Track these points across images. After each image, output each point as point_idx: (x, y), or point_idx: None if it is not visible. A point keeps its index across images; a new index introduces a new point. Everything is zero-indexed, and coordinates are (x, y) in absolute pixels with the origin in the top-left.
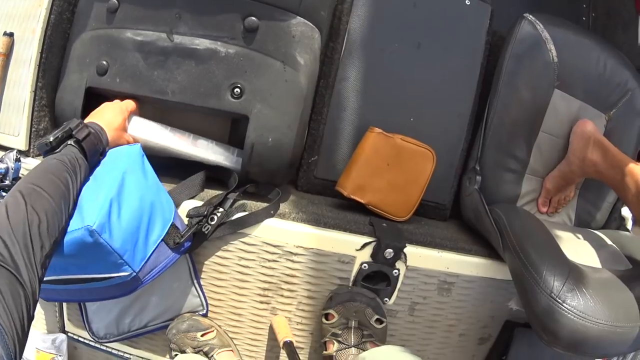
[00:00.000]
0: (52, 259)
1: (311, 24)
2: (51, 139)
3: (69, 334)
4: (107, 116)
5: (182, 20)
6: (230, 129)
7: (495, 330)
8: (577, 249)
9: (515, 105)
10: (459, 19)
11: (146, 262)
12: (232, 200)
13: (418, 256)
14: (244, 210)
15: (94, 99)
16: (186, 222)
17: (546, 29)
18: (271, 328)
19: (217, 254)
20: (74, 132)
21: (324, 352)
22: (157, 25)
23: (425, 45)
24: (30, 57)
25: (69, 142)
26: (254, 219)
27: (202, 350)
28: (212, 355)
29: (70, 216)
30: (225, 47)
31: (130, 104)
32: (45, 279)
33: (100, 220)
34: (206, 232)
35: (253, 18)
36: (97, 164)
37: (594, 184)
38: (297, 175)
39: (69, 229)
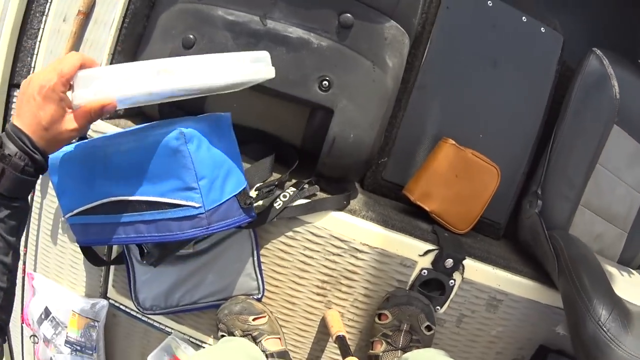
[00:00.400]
0: (120, 177)
1: (402, 29)
2: None
3: (110, 300)
4: (26, 111)
5: (277, 6)
6: (308, 119)
7: (529, 352)
8: (620, 284)
9: (578, 134)
10: (534, 45)
11: (218, 207)
12: (306, 182)
13: (474, 270)
14: (315, 196)
15: None
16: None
17: (611, 65)
18: (323, 321)
19: (282, 240)
20: None
21: (370, 351)
22: (251, 8)
23: (500, 65)
24: (112, 20)
25: None
26: (325, 205)
27: (250, 334)
28: (259, 341)
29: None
30: (318, 39)
31: (70, 64)
32: (105, 202)
33: (193, 133)
34: (278, 207)
35: (349, 15)
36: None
37: None
38: (364, 175)
39: (157, 131)
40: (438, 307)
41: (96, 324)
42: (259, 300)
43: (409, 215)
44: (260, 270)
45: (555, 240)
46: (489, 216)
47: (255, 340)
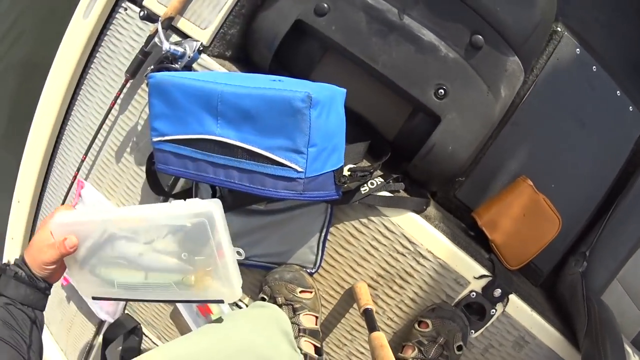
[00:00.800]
0: (230, 119)
1: (522, 66)
2: None
3: None
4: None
5: (418, 6)
6: (408, 118)
7: None
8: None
9: (634, 214)
10: (619, 119)
11: (316, 177)
12: (394, 176)
13: (515, 306)
14: (398, 192)
15: (294, 37)
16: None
17: None
18: (352, 293)
19: (355, 224)
20: None
21: (399, 353)
22: None
23: (586, 127)
24: None
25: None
26: (406, 204)
27: (292, 305)
28: (298, 314)
29: None
30: (447, 49)
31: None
32: (206, 138)
33: (319, 99)
34: (363, 192)
35: (480, 37)
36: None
37: None
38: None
39: (283, 87)
40: (473, 331)
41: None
42: (310, 274)
43: (469, 237)
44: (324, 247)
45: (591, 303)
46: (536, 262)
47: (294, 312)
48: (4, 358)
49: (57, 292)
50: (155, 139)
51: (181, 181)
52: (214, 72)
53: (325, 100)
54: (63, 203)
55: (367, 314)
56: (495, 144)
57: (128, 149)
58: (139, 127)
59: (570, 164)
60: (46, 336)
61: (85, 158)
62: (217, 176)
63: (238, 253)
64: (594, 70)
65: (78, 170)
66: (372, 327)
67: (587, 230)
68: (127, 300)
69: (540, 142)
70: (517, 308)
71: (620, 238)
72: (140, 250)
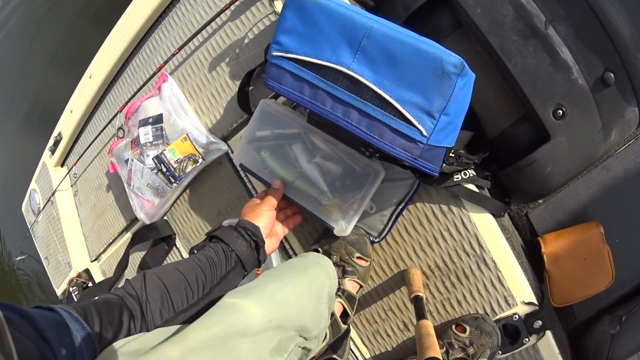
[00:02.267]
0: (371, 58)
1: (638, 118)
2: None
3: (229, 148)
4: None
5: (565, 22)
6: (514, 123)
7: None
8: None
9: None
10: None
11: (434, 148)
12: (486, 174)
13: (547, 344)
14: (483, 190)
15: (433, 4)
16: None
17: None
18: (403, 276)
19: (433, 208)
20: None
21: None
22: (545, 5)
23: None
24: None
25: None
26: (489, 204)
27: (344, 266)
28: (346, 277)
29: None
30: (578, 74)
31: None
32: (336, 69)
33: (469, 73)
34: (455, 179)
35: (612, 75)
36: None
37: None
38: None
39: (439, 45)
40: (500, 352)
41: (200, 160)
42: (372, 243)
43: (527, 260)
44: (396, 220)
45: None
46: (574, 307)
47: (343, 273)
48: (189, 291)
49: (99, 176)
50: (275, 53)
51: None
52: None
53: (470, 76)
54: (139, 90)
55: (418, 301)
56: (582, 180)
57: (227, 59)
58: (247, 40)
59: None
60: (72, 217)
61: (177, 53)
62: (333, 111)
63: (370, 207)
64: None
65: (166, 62)
66: (421, 314)
67: (630, 297)
68: (265, 182)
69: (622, 196)
70: (548, 346)
71: None
72: (308, 160)
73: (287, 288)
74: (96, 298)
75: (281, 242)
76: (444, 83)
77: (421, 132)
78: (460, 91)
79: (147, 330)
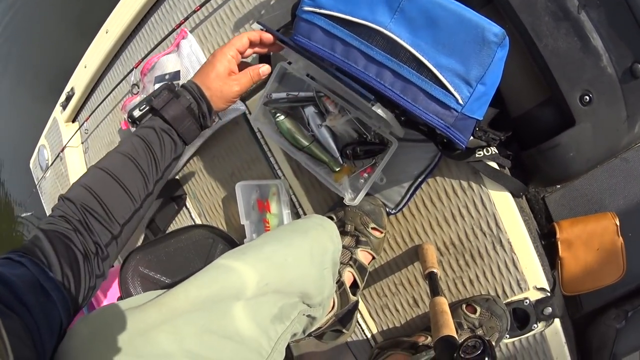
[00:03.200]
0: (411, 20)
1: None
2: (135, 114)
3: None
4: (201, 71)
5: (598, 9)
6: (538, 105)
7: None
8: None
9: None
10: None
11: (467, 118)
12: (508, 153)
13: (554, 332)
14: (504, 168)
15: None
16: None
17: None
18: (416, 251)
19: (453, 183)
20: (153, 104)
21: None
22: None
23: None
24: None
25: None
26: (510, 182)
27: (358, 236)
28: (359, 247)
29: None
30: (608, 62)
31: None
32: (372, 28)
33: (507, 44)
34: (477, 155)
35: None
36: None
37: None
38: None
39: (482, 14)
40: (507, 336)
41: (216, 119)
42: (388, 214)
43: (542, 245)
44: (414, 192)
45: None
46: (582, 297)
47: (357, 243)
48: (132, 184)
49: (111, 133)
50: (307, 8)
51: None
52: None
53: (507, 48)
54: (156, 46)
55: (432, 277)
56: (601, 170)
57: (251, 18)
58: (272, 0)
59: None
60: (81, 173)
61: (198, 9)
62: (366, 71)
63: (381, 179)
64: None
65: (186, 19)
66: (435, 291)
67: (638, 293)
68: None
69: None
70: (555, 335)
71: None
72: (321, 124)
73: (285, 250)
74: (42, 236)
75: (295, 208)
76: (484, 52)
77: (457, 100)
78: (498, 62)
79: (115, 243)
